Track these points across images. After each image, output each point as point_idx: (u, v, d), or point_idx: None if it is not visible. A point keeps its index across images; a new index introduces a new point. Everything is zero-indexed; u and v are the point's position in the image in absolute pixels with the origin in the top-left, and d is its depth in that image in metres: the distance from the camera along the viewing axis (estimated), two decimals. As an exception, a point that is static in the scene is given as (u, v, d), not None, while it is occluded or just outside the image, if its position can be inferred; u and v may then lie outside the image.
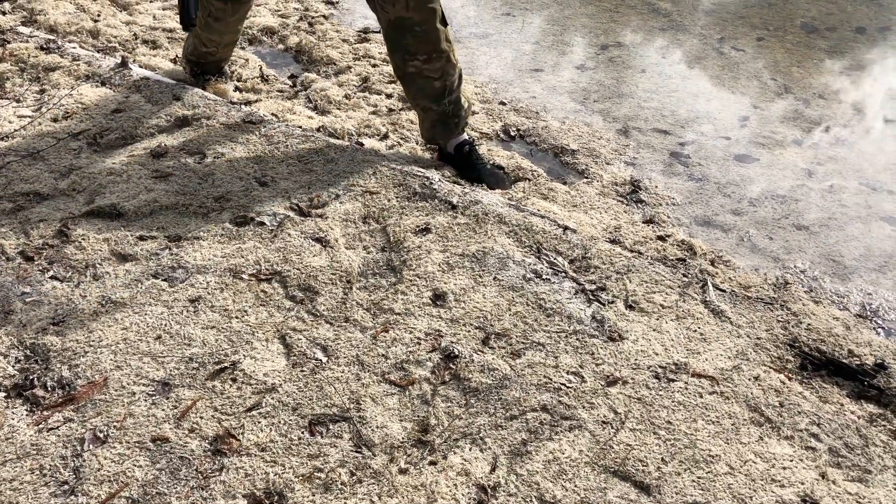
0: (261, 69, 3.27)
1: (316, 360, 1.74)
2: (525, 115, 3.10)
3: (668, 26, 3.98)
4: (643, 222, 2.47)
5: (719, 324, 1.93)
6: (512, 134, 2.97)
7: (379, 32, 3.77)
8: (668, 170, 2.81)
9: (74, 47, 3.01)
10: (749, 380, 1.76)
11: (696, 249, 2.30)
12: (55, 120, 2.54)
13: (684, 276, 2.09)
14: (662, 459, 1.55)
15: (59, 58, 2.90)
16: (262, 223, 2.15)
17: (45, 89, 2.73)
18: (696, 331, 1.90)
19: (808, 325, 1.96)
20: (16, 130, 2.45)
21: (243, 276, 1.96)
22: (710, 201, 2.64)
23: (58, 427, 1.55)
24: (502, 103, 3.18)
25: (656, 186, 2.69)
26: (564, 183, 2.68)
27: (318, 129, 2.72)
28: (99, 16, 3.51)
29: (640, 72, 3.52)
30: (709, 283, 2.06)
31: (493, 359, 1.75)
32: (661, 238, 2.34)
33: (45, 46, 2.98)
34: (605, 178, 2.70)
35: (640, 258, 2.13)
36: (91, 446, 1.52)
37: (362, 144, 2.67)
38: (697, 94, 3.35)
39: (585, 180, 2.70)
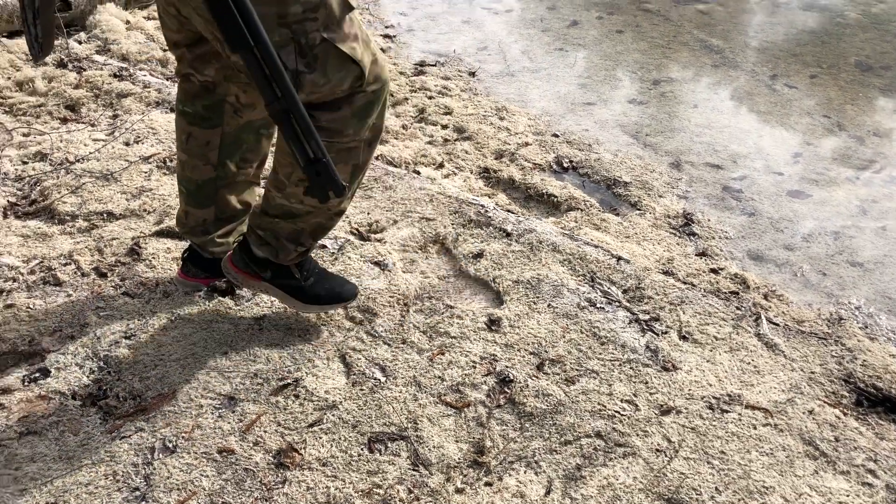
0: (321, 98, 3.37)
1: (375, 379, 1.79)
2: (578, 147, 3.15)
3: (720, 63, 4.00)
4: (696, 255, 2.49)
5: (773, 357, 1.94)
6: (565, 165, 3.02)
7: (435, 65, 3.86)
8: (720, 204, 2.83)
9: (145, 75, 3.15)
10: (803, 413, 1.77)
11: (749, 283, 2.31)
12: (127, 144, 2.65)
13: (737, 308, 2.10)
14: (716, 489, 1.56)
15: (132, 85, 3.04)
16: (324, 246, 2.22)
17: (118, 114, 2.86)
18: (749, 363, 1.91)
19: (864, 361, 1.96)
20: (91, 153, 2.57)
21: (305, 296, 2.03)
22: (762, 236, 2.65)
23: (129, 436, 1.62)
24: (555, 135, 3.24)
25: (709, 220, 2.71)
26: (617, 214, 2.71)
27: (376, 158, 2.80)
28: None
29: (692, 107, 3.55)
30: (762, 317, 2.07)
31: (547, 384, 1.78)
32: (714, 271, 2.36)
33: (118, 74, 3.13)
34: (658, 211, 2.73)
35: (693, 290, 2.15)
36: (161, 455, 1.58)
37: (419, 173, 2.75)
38: (749, 129, 3.36)
39: (638, 212, 2.73)
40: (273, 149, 1.65)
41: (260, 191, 2.01)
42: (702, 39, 4.24)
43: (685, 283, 2.22)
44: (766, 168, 3.07)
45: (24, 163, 2.55)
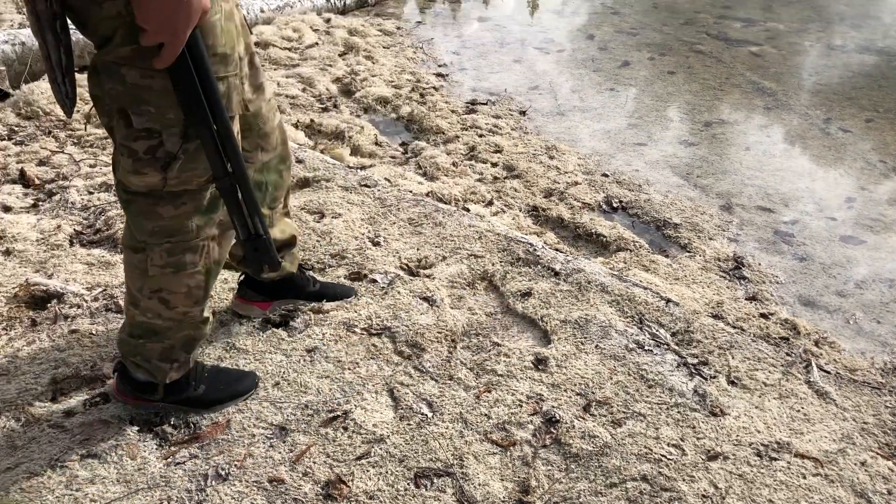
0: (375, 136, 3.46)
1: (422, 414, 1.81)
2: (628, 188, 3.16)
3: (772, 105, 3.99)
4: (746, 299, 2.48)
5: (824, 405, 1.92)
6: (615, 205, 3.04)
7: (486, 104, 3.93)
8: (771, 248, 2.81)
9: (208, 110, 3.27)
10: (855, 464, 1.74)
11: (799, 329, 2.29)
12: (189, 176, 2.75)
13: (788, 355, 2.08)
14: (764, 539, 1.54)
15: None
16: (375, 280, 2.27)
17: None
18: (799, 411, 1.89)
19: (919, 413, 1.92)
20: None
21: (356, 329, 2.07)
22: (814, 281, 2.62)
23: (184, 462, 1.67)
24: (605, 175, 3.26)
25: (759, 264, 2.69)
26: (667, 256, 2.71)
27: (427, 194, 2.86)
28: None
29: (744, 149, 3.54)
30: (813, 364, 2.04)
31: (594, 426, 1.79)
32: (763, 316, 2.34)
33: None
34: (708, 253, 2.72)
35: (742, 334, 2.14)
36: (214, 482, 1.63)
37: (468, 210, 2.79)
38: (802, 173, 3.34)
39: (688, 254, 2.73)
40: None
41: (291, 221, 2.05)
42: (754, 81, 4.24)
43: (735, 327, 2.21)
44: (818, 212, 3.04)
45: (90, 193, 2.66)
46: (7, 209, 2.57)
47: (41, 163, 2.86)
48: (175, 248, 1.48)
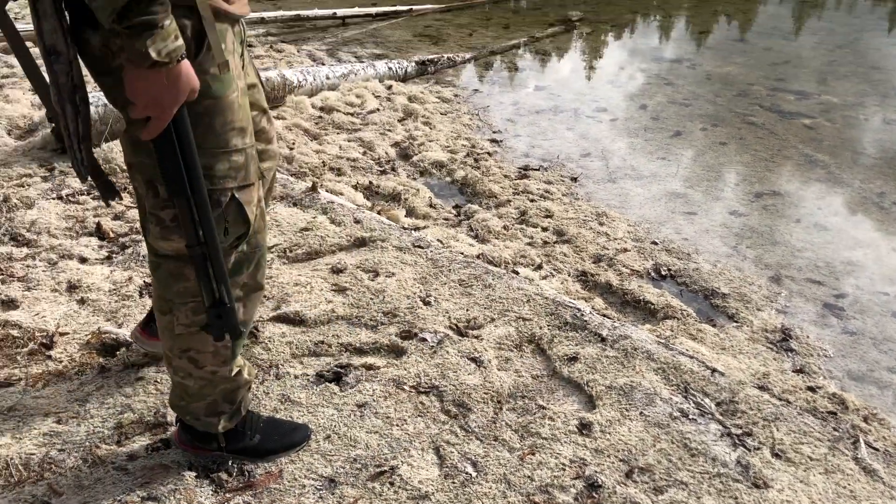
0: (430, 199, 3.58)
1: (466, 473, 1.86)
2: (677, 256, 3.20)
3: (825, 178, 4.00)
4: (793, 371, 2.48)
5: (871, 483, 1.91)
6: (663, 273, 3.08)
7: (538, 170, 4.03)
8: (821, 321, 2.81)
9: (272, 171, 3.43)
10: (902, 544, 1.72)
11: (847, 404, 2.28)
12: (252, 233, 2.89)
13: (835, 429, 2.08)
14: None
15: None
16: (424, 339, 2.34)
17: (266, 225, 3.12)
18: (845, 487, 1.88)
19: (970, 495, 1.89)
20: (219, 240, 2.82)
21: (405, 387, 2.14)
22: (864, 356, 2.61)
23: (237, 508, 1.74)
24: (654, 243, 3.31)
25: (808, 336, 2.69)
26: (714, 325, 2.73)
27: (477, 256, 2.94)
28: (294, 144, 3.99)
29: (795, 221, 3.56)
30: (861, 440, 2.03)
31: (635, 492, 1.81)
32: (811, 389, 2.34)
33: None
34: (756, 324, 2.74)
35: (788, 407, 2.15)
36: (265, 529, 1.69)
37: (518, 273, 2.86)
38: (854, 246, 3.33)
39: (735, 324, 2.74)
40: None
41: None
42: (807, 154, 4.26)
43: (781, 399, 2.21)
44: (870, 286, 3.03)
45: (161, 247, 2.81)
46: (83, 260, 2.73)
47: (116, 217, 3.04)
48: (199, 307, 1.57)
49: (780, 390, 2.31)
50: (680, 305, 2.80)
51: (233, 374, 1.73)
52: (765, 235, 3.43)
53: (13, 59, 4.87)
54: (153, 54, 1.22)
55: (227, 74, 1.44)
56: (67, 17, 1.31)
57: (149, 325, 2.14)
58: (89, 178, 1.48)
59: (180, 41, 1.27)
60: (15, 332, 2.31)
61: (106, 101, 3.71)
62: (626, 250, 3.21)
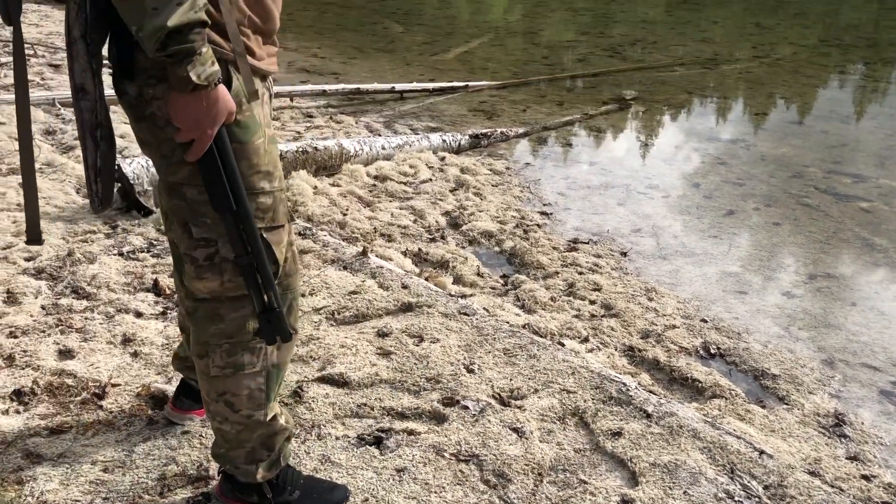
0: (478, 267, 3.61)
1: (504, 544, 1.83)
2: (727, 335, 3.16)
3: (883, 262, 3.93)
4: (846, 458, 2.39)
5: (929, 580, 1.82)
6: (712, 352, 3.03)
7: (588, 243, 4.04)
8: (876, 407, 2.72)
9: (325, 235, 3.51)
10: None
11: (905, 495, 2.19)
12: (303, 295, 2.95)
13: (890, 521, 1.99)
14: None
15: (312, 243, 3.40)
16: (466, 407, 2.34)
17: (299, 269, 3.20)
18: (901, 582, 1.79)
19: None
20: (270, 300, 2.88)
21: (445, 454, 2.13)
22: (924, 446, 2.51)
23: (272, 566, 1.74)
24: (704, 320, 3.27)
25: (863, 423, 2.61)
26: (763, 406, 2.67)
27: (523, 326, 2.94)
28: (347, 210, 4.09)
29: (850, 304, 3.48)
30: (918, 534, 1.95)
31: (677, 574, 1.76)
32: (865, 477, 2.26)
33: (302, 233, 3.51)
34: (807, 407, 2.66)
35: (841, 495, 2.07)
36: (298, 589, 1.68)
37: (563, 344, 2.85)
38: (914, 332, 3.24)
39: (785, 406, 2.67)
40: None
41: None
42: (864, 237, 4.19)
43: (832, 486, 2.13)
44: (930, 374, 2.93)
45: (214, 304, 2.88)
46: (139, 315, 2.81)
47: (172, 275, 3.13)
48: (233, 349, 1.66)
49: (832, 477, 2.23)
50: (728, 385, 2.75)
51: (268, 418, 1.76)
52: (818, 318, 3.36)
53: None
54: (194, 78, 1.35)
55: (253, 122, 1.57)
56: (97, 62, 1.43)
57: (179, 398, 2.19)
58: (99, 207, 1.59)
59: (217, 66, 1.40)
60: (70, 381, 2.38)
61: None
62: (674, 327, 3.17)
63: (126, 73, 1.47)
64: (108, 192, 1.55)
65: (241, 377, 1.68)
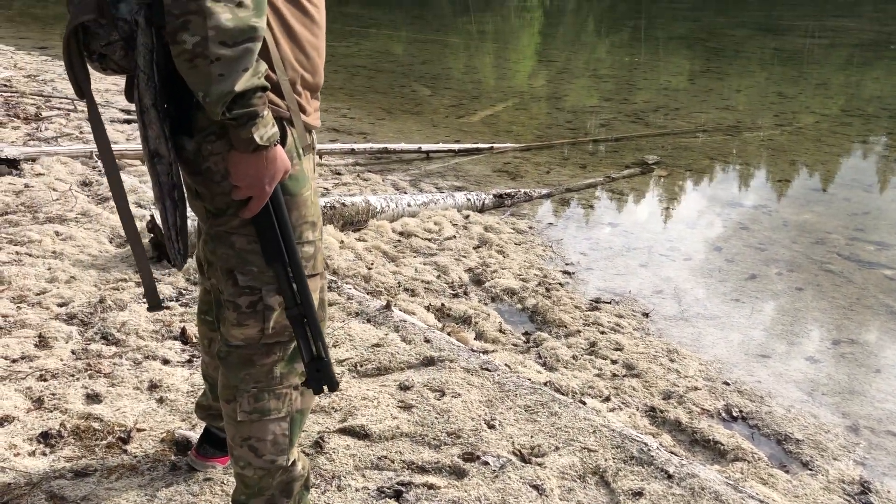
0: (500, 324, 3.64)
1: None
2: (749, 398, 3.14)
3: (908, 329, 3.90)
4: (872, 526, 2.36)
5: None
6: (734, 414, 3.01)
7: (609, 303, 4.05)
8: (903, 476, 2.68)
9: (350, 288, 3.56)
10: None
11: (933, 566, 2.15)
12: (326, 346, 2.99)
13: (917, 591, 1.96)
14: None
15: (337, 296, 3.45)
16: (487, 462, 2.34)
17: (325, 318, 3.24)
18: None
19: None
20: (294, 351, 2.92)
21: (465, 508, 2.13)
22: (952, 517, 2.47)
23: None
24: (726, 383, 3.25)
25: (889, 491, 2.57)
26: (786, 471, 2.64)
27: (545, 384, 2.95)
28: (372, 264, 4.15)
29: (874, 371, 3.46)
30: None
31: None
32: (891, 546, 2.22)
33: (328, 285, 3.57)
34: (832, 474, 2.63)
35: (866, 563, 2.04)
36: None
37: (585, 403, 2.85)
38: (940, 401, 3.20)
39: (809, 472, 2.64)
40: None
41: None
42: (888, 305, 4.17)
43: (858, 554, 2.10)
44: (957, 444, 2.89)
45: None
46: (166, 362, 2.86)
47: (198, 322, 3.19)
48: (261, 394, 1.70)
49: (857, 544, 2.20)
50: (751, 448, 2.73)
51: (289, 463, 1.80)
52: (842, 384, 3.33)
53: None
54: (257, 139, 1.43)
55: (302, 175, 1.64)
56: (168, 127, 1.51)
57: (202, 445, 2.22)
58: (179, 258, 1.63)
59: (276, 127, 1.47)
60: (96, 425, 2.42)
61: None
62: (696, 388, 3.16)
63: (184, 130, 1.55)
64: (187, 248, 1.62)
65: (266, 422, 1.72)
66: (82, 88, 1.52)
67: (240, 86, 1.36)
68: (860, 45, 15.23)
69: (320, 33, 1.68)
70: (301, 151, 1.63)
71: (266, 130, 1.44)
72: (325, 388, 1.66)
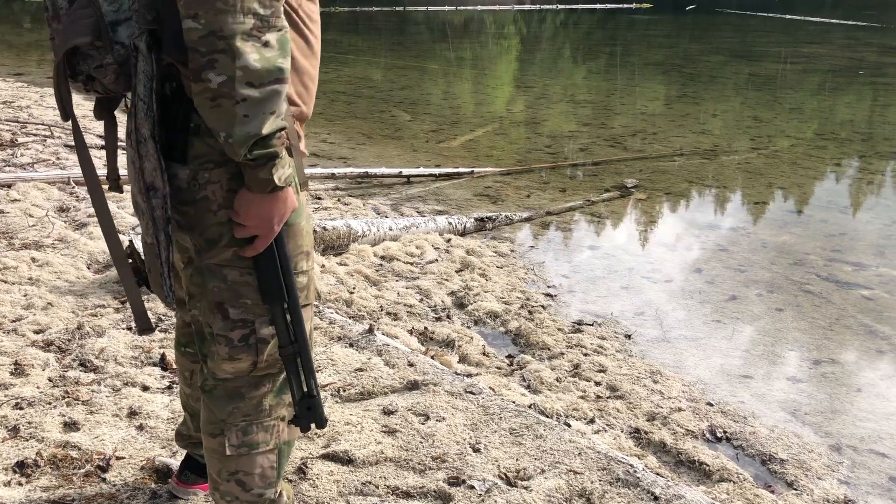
0: (483, 347, 3.62)
1: None
2: (732, 419, 3.14)
3: (887, 349, 3.93)
4: (858, 545, 2.35)
5: None
6: (718, 435, 3.01)
7: (592, 325, 4.06)
8: (886, 494, 2.68)
9: (332, 313, 3.54)
10: None
11: (919, 584, 2.14)
12: (308, 371, 2.96)
13: None
14: None
15: (319, 320, 3.43)
16: (472, 487, 2.32)
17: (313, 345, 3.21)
18: None
19: None
20: (276, 376, 2.88)
21: (451, 533, 2.10)
22: (936, 535, 2.47)
23: None
24: (709, 404, 3.26)
25: (873, 510, 2.57)
26: (772, 491, 2.64)
27: (529, 406, 2.93)
28: (354, 289, 4.13)
29: (856, 390, 3.48)
30: None
31: None
32: (878, 565, 2.22)
33: (309, 309, 3.54)
34: (816, 493, 2.63)
35: (853, 582, 2.03)
36: None
37: (569, 425, 2.83)
38: (921, 419, 3.23)
39: (794, 492, 2.64)
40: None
41: None
42: (866, 324, 4.21)
43: (845, 573, 2.10)
44: (939, 462, 2.90)
45: (220, 379, 2.89)
46: (145, 388, 2.82)
47: (176, 353, 3.14)
48: (249, 427, 1.65)
49: (844, 564, 2.20)
50: (736, 469, 2.73)
51: (276, 495, 1.76)
52: (824, 403, 3.35)
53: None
54: (276, 181, 1.40)
55: (301, 204, 1.60)
56: (163, 160, 1.46)
57: (183, 472, 2.18)
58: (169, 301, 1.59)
59: (292, 167, 1.45)
60: (74, 454, 2.37)
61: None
62: (680, 409, 3.16)
63: (176, 158, 1.49)
64: (172, 285, 1.58)
65: (255, 456, 1.68)
66: (67, 111, 1.49)
67: (266, 129, 1.33)
68: (832, 70, 15.53)
69: (317, 64, 1.65)
70: (298, 186, 1.59)
71: (284, 171, 1.41)
72: (314, 425, 1.64)
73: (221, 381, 1.65)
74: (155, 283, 1.57)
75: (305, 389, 1.61)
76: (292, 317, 1.56)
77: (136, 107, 1.42)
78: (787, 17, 30.70)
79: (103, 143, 1.94)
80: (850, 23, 27.20)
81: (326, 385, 2.86)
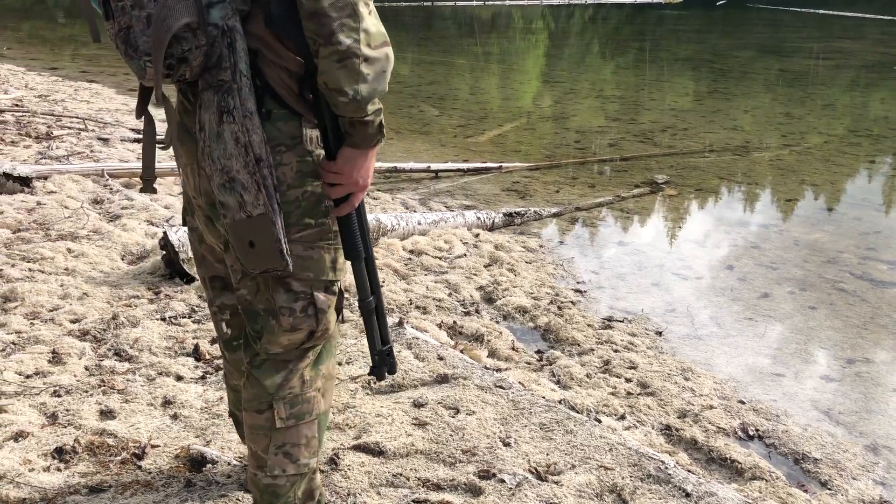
0: (512, 342, 3.62)
1: None
2: (765, 417, 3.11)
3: (923, 348, 3.87)
4: (894, 547, 2.32)
5: None
6: (751, 433, 2.99)
7: (622, 321, 4.04)
8: (923, 495, 2.64)
9: (362, 306, 3.56)
10: None
11: (958, 587, 2.11)
12: (339, 364, 2.98)
13: None
14: None
15: (350, 313, 3.44)
16: (503, 480, 2.32)
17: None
18: None
19: None
20: (308, 368, 2.90)
21: (482, 526, 2.10)
22: (974, 538, 2.43)
23: None
24: (741, 402, 3.23)
25: (910, 511, 2.54)
26: (805, 491, 2.61)
27: (559, 402, 2.93)
28: (383, 282, 4.14)
29: (891, 391, 3.43)
30: None
31: None
32: (915, 567, 2.18)
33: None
34: (851, 493, 2.60)
35: (890, 583, 2.01)
36: None
37: (600, 421, 2.82)
38: (958, 420, 3.17)
39: (828, 492, 2.61)
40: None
41: None
42: (902, 323, 4.15)
43: (881, 574, 2.07)
44: (977, 464, 2.85)
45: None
46: (179, 378, 2.85)
47: (213, 341, 3.18)
48: (295, 399, 1.73)
49: (880, 564, 2.17)
50: (769, 467, 2.70)
51: (315, 465, 1.84)
52: (859, 402, 3.30)
53: (133, 193, 5.29)
54: (384, 133, 1.54)
55: None
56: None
57: None
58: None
59: None
60: (110, 441, 2.40)
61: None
62: (712, 407, 3.14)
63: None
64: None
65: (301, 426, 1.75)
66: (157, 97, 1.49)
67: (386, 86, 1.47)
68: (865, 66, 15.28)
69: None
70: None
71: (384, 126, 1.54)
72: (386, 371, 1.79)
73: (272, 356, 1.71)
74: (265, 255, 1.55)
75: (381, 342, 1.74)
76: (369, 271, 1.67)
77: (239, 83, 1.45)
78: (820, 11, 30.26)
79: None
80: (885, 17, 26.74)
81: (357, 377, 2.88)
